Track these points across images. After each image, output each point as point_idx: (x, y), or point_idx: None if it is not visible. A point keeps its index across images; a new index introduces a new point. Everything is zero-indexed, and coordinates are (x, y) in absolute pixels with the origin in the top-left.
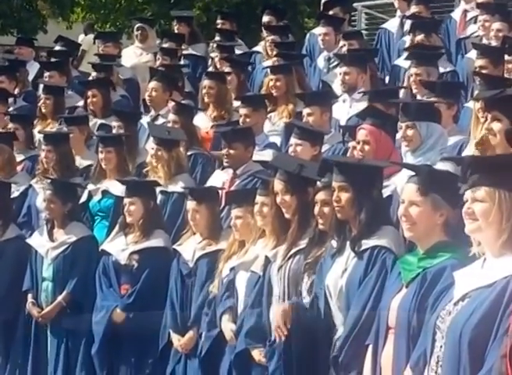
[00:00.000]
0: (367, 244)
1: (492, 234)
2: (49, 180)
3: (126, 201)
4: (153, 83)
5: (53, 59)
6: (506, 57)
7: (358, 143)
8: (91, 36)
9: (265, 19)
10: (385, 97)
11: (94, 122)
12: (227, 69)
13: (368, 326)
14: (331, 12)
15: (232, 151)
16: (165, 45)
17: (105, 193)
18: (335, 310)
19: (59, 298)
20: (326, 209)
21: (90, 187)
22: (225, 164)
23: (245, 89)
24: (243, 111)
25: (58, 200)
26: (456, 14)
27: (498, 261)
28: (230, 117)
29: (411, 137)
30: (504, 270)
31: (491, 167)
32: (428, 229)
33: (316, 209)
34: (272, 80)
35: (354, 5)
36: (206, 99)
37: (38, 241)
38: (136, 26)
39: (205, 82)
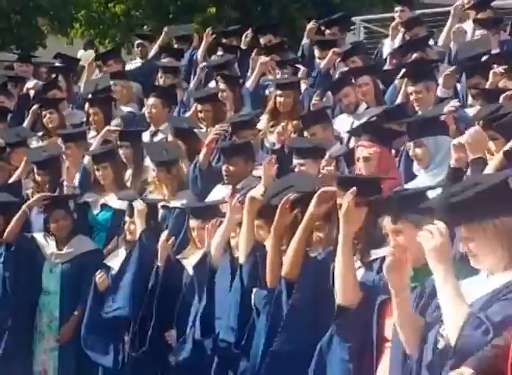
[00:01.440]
0: (376, 254)
1: (492, 262)
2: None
3: (128, 219)
4: (152, 100)
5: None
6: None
7: (358, 160)
8: (90, 51)
9: (264, 39)
10: (395, 116)
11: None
12: (222, 86)
13: None
14: (328, 32)
15: (231, 168)
16: (164, 60)
17: (104, 206)
18: None
19: (75, 313)
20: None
21: (89, 199)
22: (225, 180)
23: (241, 103)
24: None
25: (60, 216)
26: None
27: (504, 273)
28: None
29: (421, 155)
30: (507, 278)
31: (463, 205)
32: (419, 248)
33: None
34: (280, 96)
35: (353, 19)
36: (204, 123)
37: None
38: (136, 43)
39: (199, 107)
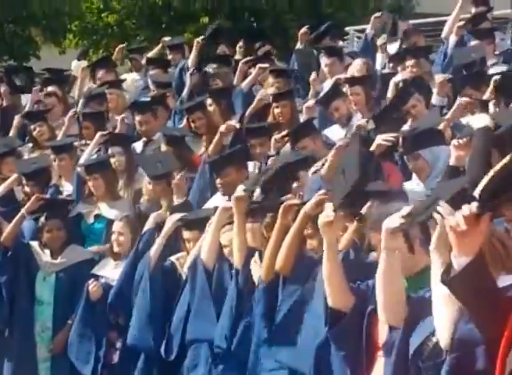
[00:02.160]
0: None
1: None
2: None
3: (116, 230)
4: (143, 117)
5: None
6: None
7: None
8: (83, 62)
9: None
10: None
11: None
12: (208, 100)
13: None
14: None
15: (225, 179)
16: (152, 72)
17: (97, 216)
18: None
19: (69, 322)
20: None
21: (83, 210)
22: (220, 192)
23: (229, 115)
24: (252, 141)
25: (55, 226)
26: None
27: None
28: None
29: (419, 167)
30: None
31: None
32: (411, 257)
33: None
34: (277, 107)
35: (346, 29)
36: (198, 131)
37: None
38: (129, 57)
39: (192, 116)
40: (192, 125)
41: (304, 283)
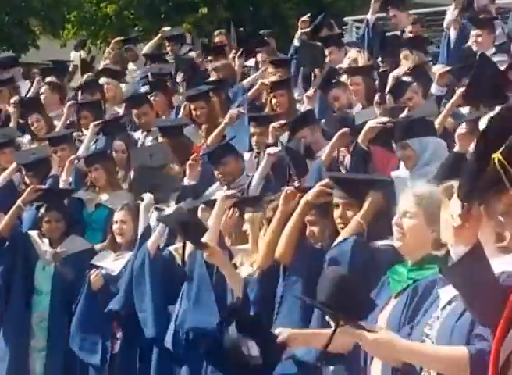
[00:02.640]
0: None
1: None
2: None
3: (118, 218)
4: (140, 109)
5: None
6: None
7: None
8: (82, 52)
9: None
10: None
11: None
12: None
13: None
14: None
15: (225, 169)
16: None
17: (99, 205)
18: None
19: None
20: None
21: (84, 196)
22: (222, 183)
23: (227, 106)
24: (252, 130)
25: (53, 218)
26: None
27: None
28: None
29: (407, 156)
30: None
31: None
32: (418, 242)
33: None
34: (274, 97)
35: (345, 19)
36: (199, 120)
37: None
38: (124, 48)
39: (192, 105)
40: (193, 113)
41: (306, 273)
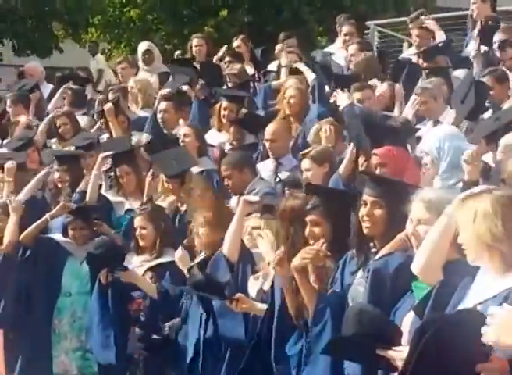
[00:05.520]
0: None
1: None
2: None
3: (137, 225)
4: (164, 104)
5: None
6: None
7: (376, 167)
8: (101, 56)
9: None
10: None
11: None
12: (224, 104)
13: None
14: (345, 30)
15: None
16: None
17: (129, 211)
18: None
19: None
20: (317, 230)
21: (114, 199)
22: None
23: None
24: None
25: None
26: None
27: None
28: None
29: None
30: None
31: None
32: None
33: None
34: (285, 98)
35: (367, 23)
36: (225, 120)
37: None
38: (143, 49)
39: (225, 103)
40: (222, 112)
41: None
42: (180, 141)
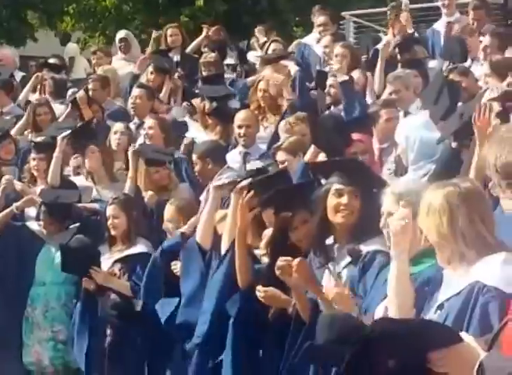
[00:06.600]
0: (365, 249)
1: None
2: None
3: (110, 214)
4: (137, 91)
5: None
6: None
7: (355, 154)
8: (72, 44)
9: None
10: None
11: None
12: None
13: None
14: (320, 21)
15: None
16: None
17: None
18: None
19: None
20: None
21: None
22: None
23: None
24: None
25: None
26: (440, 25)
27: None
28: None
29: None
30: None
31: None
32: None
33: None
34: (260, 90)
35: (342, 13)
36: (210, 120)
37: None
38: (119, 37)
39: (219, 103)
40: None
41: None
42: (145, 133)
